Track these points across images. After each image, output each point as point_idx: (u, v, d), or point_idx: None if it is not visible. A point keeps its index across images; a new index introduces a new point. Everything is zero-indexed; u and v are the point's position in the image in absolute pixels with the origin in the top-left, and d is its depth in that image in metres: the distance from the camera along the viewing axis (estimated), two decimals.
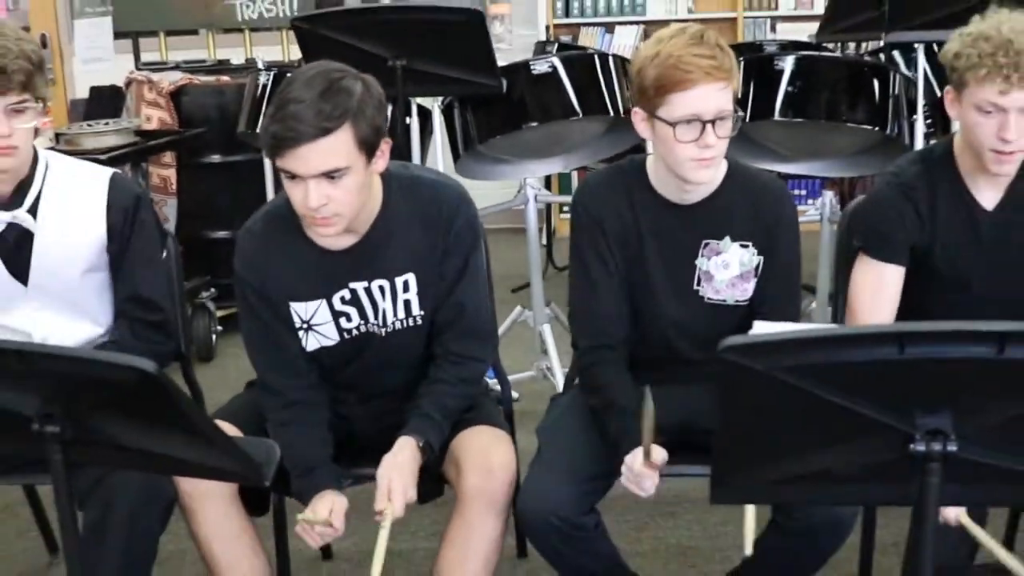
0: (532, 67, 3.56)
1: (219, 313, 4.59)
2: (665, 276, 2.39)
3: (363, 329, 2.36)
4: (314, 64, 2.19)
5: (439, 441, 2.30)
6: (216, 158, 4.76)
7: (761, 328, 2.06)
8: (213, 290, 4.56)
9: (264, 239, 2.33)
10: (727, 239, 2.36)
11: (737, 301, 2.39)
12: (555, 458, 2.32)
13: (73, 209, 2.40)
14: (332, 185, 2.12)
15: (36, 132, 2.36)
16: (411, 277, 2.33)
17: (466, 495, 2.25)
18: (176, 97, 4.70)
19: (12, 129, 2.26)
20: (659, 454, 2.15)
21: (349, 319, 2.35)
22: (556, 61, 3.57)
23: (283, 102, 2.09)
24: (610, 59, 3.66)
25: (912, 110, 3.61)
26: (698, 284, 2.39)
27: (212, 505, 2.30)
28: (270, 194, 4.27)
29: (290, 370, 2.36)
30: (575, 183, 6.30)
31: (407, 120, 3.66)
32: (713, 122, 2.19)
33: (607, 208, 2.38)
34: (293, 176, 2.12)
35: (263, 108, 3.82)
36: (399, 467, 2.23)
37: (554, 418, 2.49)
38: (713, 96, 2.18)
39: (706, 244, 2.37)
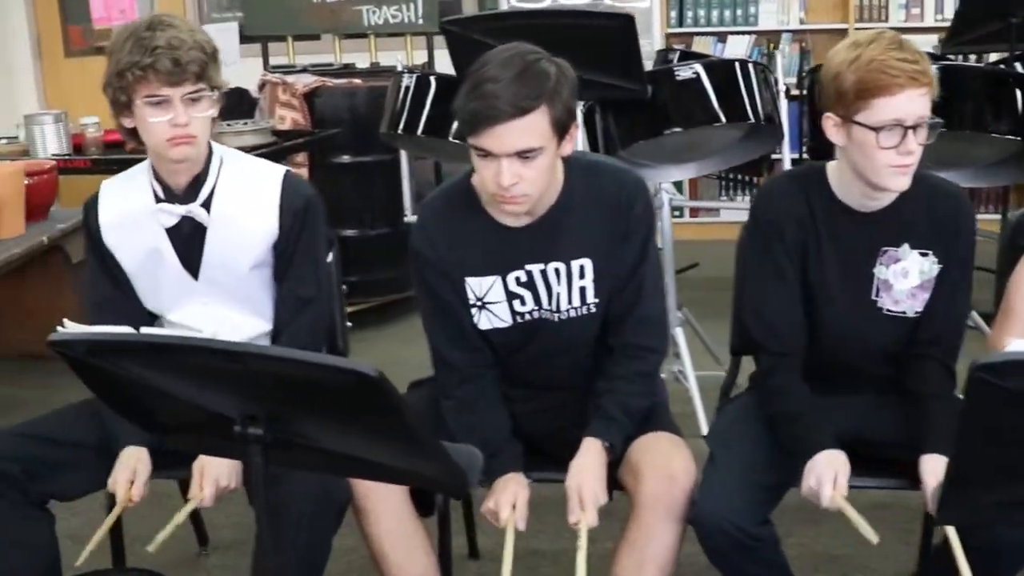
0: (676, 73, 3.59)
1: (348, 309, 4.66)
2: (842, 284, 2.39)
3: (536, 315, 2.37)
4: (508, 46, 2.21)
5: (622, 442, 2.32)
6: (347, 158, 4.86)
7: (1018, 346, 2.02)
8: (344, 287, 4.63)
9: (444, 213, 2.38)
10: (906, 246, 2.36)
11: (917, 312, 2.39)
12: (729, 466, 2.30)
13: (246, 206, 2.45)
14: (524, 165, 2.16)
15: (213, 123, 2.41)
16: (588, 263, 2.34)
17: (645, 502, 2.24)
18: (309, 99, 4.80)
19: (190, 118, 2.31)
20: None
21: (523, 302, 2.36)
22: (699, 67, 3.60)
23: (480, 81, 2.14)
24: (750, 66, 3.68)
25: None
26: (876, 294, 2.38)
27: (386, 505, 2.33)
28: (407, 193, 4.33)
29: (468, 345, 2.39)
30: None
31: None
32: (914, 128, 2.19)
33: (788, 215, 2.37)
34: (486, 154, 2.16)
35: (405, 110, 3.90)
36: (588, 472, 2.25)
37: (725, 425, 2.48)
38: (916, 102, 2.18)
39: (884, 252, 2.36)
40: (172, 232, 2.46)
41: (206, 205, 2.44)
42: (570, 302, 2.37)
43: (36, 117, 4.68)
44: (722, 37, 6.34)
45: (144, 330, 1.70)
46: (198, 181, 2.43)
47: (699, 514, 2.23)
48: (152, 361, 1.66)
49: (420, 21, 5.11)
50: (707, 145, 3.85)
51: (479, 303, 2.37)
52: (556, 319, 2.38)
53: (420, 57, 5.29)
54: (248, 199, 2.45)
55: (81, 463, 2.42)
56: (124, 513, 2.36)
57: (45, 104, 6.98)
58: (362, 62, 5.30)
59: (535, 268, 2.35)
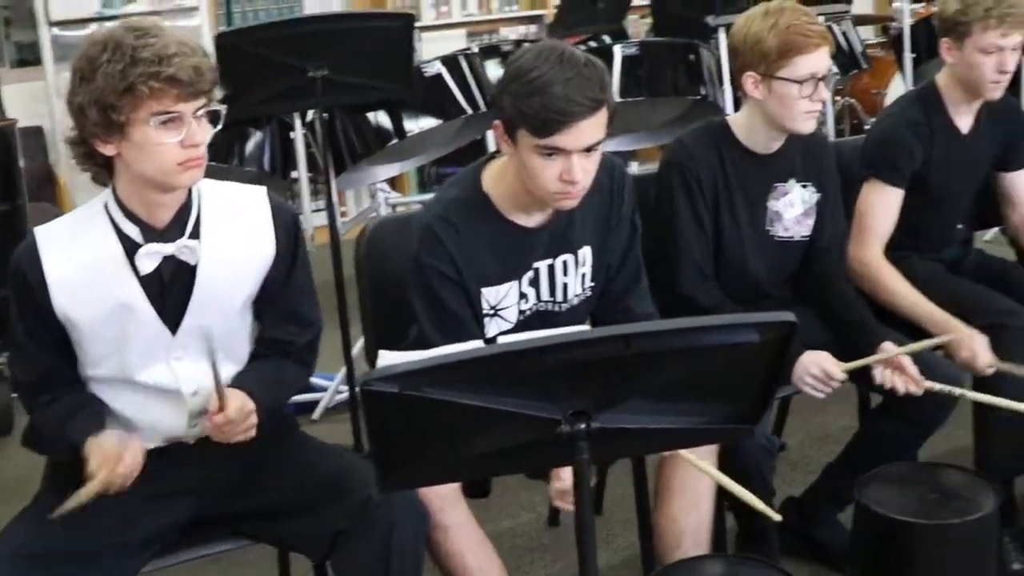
0: (424, 71, 3.71)
1: None
2: (746, 219, 2.77)
3: (537, 308, 2.42)
4: (541, 45, 2.22)
5: None
6: None
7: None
8: None
9: (462, 226, 2.31)
10: (792, 181, 2.79)
11: (803, 237, 2.82)
12: None
13: (239, 231, 2.21)
14: (587, 158, 2.20)
15: None
16: (588, 249, 2.44)
17: None
18: None
19: (204, 136, 2.05)
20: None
21: (527, 299, 2.40)
22: (440, 65, 3.76)
23: (545, 82, 2.12)
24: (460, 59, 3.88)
25: (722, 81, 4.21)
26: (770, 224, 2.80)
27: (460, 516, 2.32)
28: None
29: None
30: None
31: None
32: (824, 79, 2.61)
33: (703, 163, 2.71)
34: (552, 152, 2.17)
35: None
36: None
37: None
38: (825, 58, 2.61)
39: (775, 187, 2.78)
40: (146, 281, 2.13)
41: (194, 237, 2.15)
42: (576, 289, 2.45)
43: None
44: None
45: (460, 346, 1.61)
46: (183, 212, 2.14)
47: None
48: (474, 378, 1.54)
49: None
50: (431, 140, 4.01)
51: (492, 311, 2.38)
52: (563, 308, 2.45)
53: None
54: (239, 224, 2.21)
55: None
56: None
57: None
58: None
59: (543, 264, 2.39)
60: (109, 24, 2.08)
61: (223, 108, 2.09)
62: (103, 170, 2.11)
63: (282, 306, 2.29)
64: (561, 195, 2.24)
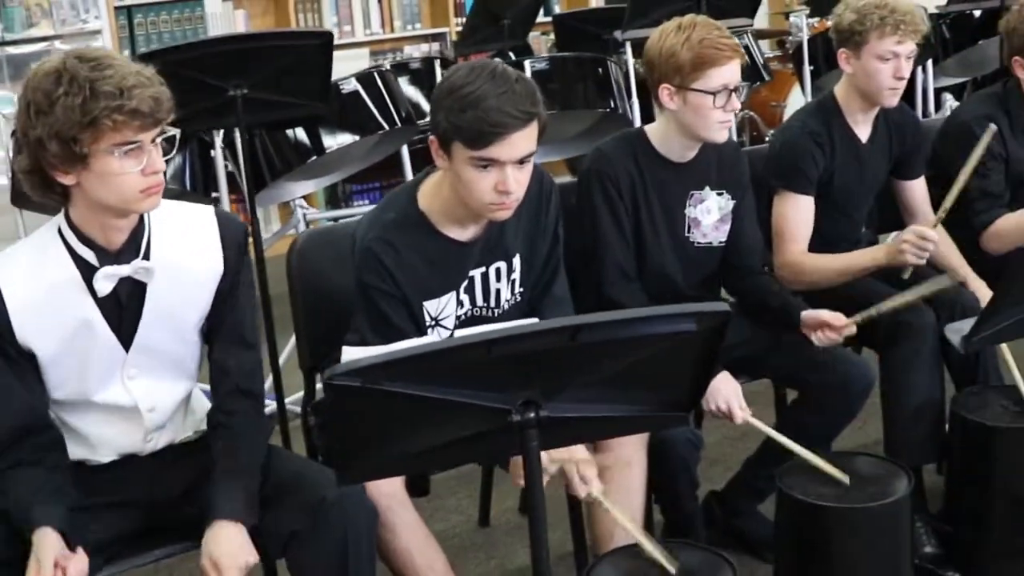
0: (341, 87, 3.76)
1: None
2: (664, 225, 2.89)
3: (472, 313, 2.50)
4: (477, 62, 2.31)
5: None
6: None
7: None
8: None
9: (400, 243, 2.38)
10: (707, 188, 2.92)
11: (720, 242, 2.95)
12: None
13: (188, 249, 2.24)
14: (520, 170, 2.29)
15: None
16: (518, 256, 2.52)
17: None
18: None
19: (163, 162, 2.08)
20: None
21: (462, 305, 2.49)
22: (355, 82, 3.82)
23: (479, 96, 2.20)
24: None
25: (630, 94, 4.35)
26: (688, 231, 2.92)
27: (408, 515, 2.39)
28: None
29: None
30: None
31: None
32: (736, 90, 2.74)
33: (621, 170, 2.83)
34: (487, 165, 2.25)
35: None
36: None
37: None
38: (736, 70, 2.74)
39: (692, 195, 2.91)
40: (103, 302, 2.17)
41: (146, 259, 2.19)
42: (509, 295, 2.54)
43: None
44: None
45: (414, 342, 1.68)
46: (137, 234, 2.18)
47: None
48: (431, 371, 1.63)
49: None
50: (348, 156, 4.06)
51: (433, 322, 2.45)
52: (492, 315, 2.53)
53: None
54: (188, 242, 2.24)
55: None
56: None
57: None
58: None
59: (477, 272, 2.48)
60: (53, 56, 2.07)
61: (177, 132, 2.13)
62: (59, 197, 2.13)
63: (229, 324, 2.32)
64: (496, 206, 2.32)
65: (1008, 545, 2.83)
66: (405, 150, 4.27)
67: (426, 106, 4.10)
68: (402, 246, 2.38)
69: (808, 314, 2.80)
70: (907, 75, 3.01)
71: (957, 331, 2.70)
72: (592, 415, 1.81)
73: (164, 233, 2.22)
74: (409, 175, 4.34)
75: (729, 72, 2.71)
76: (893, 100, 3.07)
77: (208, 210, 2.33)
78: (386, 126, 3.84)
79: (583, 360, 1.71)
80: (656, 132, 2.87)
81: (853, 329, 2.77)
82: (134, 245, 2.18)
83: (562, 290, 2.64)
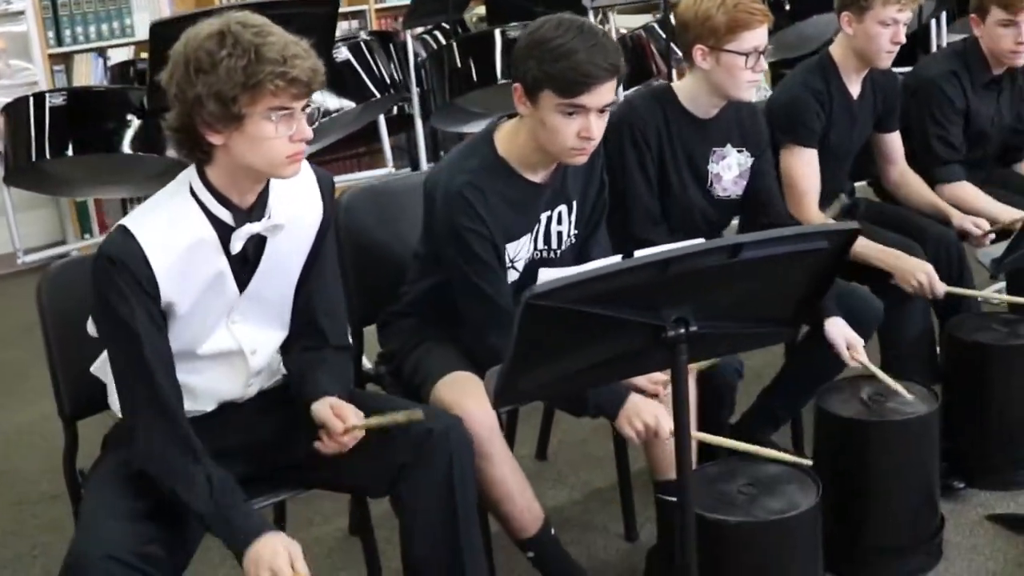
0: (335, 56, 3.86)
1: None
2: (689, 178, 3.09)
3: (534, 256, 2.66)
4: (563, 17, 2.45)
5: None
6: None
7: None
8: None
9: (488, 190, 2.53)
10: (728, 146, 3.12)
11: (738, 196, 3.16)
12: None
13: (297, 201, 2.33)
14: (600, 118, 2.48)
15: None
16: (576, 200, 2.70)
17: None
18: None
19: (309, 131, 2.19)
20: None
21: (535, 246, 2.65)
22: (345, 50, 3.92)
23: (570, 48, 2.38)
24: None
25: None
26: (711, 185, 3.12)
27: (499, 444, 2.52)
28: None
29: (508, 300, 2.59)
30: None
31: None
32: (764, 52, 2.95)
33: (649, 121, 3.01)
34: (574, 111, 2.42)
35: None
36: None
37: None
38: (765, 33, 2.94)
39: (714, 151, 3.11)
40: (234, 259, 2.25)
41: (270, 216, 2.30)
42: (568, 236, 2.71)
43: None
44: (102, 51, 6.31)
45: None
46: (263, 194, 2.26)
47: None
48: (608, 290, 1.79)
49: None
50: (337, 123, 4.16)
51: (510, 264, 2.62)
52: (553, 256, 2.70)
53: None
54: (297, 194, 2.34)
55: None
56: None
57: None
58: None
59: (544, 216, 2.66)
60: (212, 18, 2.12)
61: (320, 107, 2.23)
62: (205, 155, 2.18)
63: (320, 265, 2.41)
64: (576, 151, 2.49)
65: (1007, 454, 3.15)
66: (382, 118, 4.38)
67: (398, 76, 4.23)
68: (489, 191, 2.54)
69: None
70: (903, 40, 3.27)
71: (987, 255, 2.96)
72: (727, 332, 2.00)
73: (278, 189, 2.31)
74: (386, 142, 4.46)
75: (760, 35, 2.91)
76: (888, 62, 3.33)
77: (304, 163, 2.41)
78: (377, 94, 3.95)
79: (729, 278, 1.90)
80: (684, 89, 3.06)
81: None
82: (261, 203, 2.26)
83: (604, 234, 2.81)
